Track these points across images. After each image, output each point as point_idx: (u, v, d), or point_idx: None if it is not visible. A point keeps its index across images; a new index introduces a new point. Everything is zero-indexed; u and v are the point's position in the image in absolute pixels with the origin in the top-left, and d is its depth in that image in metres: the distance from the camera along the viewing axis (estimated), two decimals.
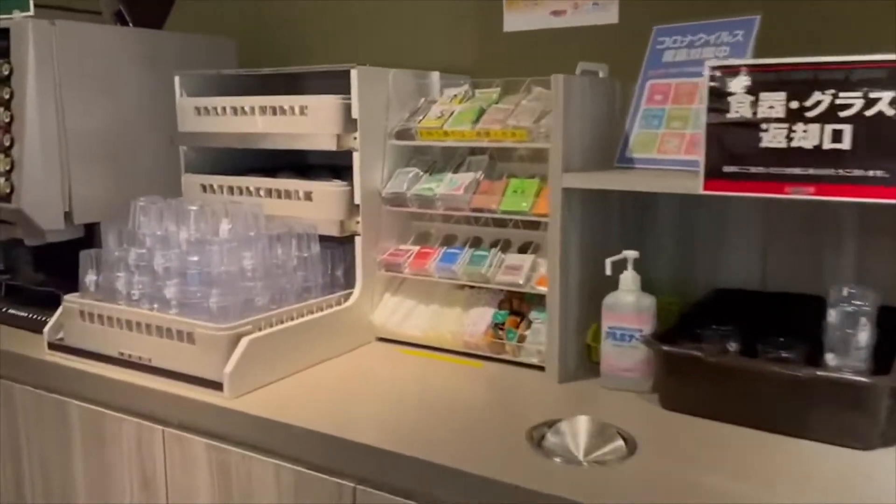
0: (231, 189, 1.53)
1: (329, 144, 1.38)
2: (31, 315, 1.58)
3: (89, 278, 1.38)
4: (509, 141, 1.30)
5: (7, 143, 1.47)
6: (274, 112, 1.45)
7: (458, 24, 1.69)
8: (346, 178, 1.46)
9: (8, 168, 1.47)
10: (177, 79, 1.59)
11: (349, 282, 1.46)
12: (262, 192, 1.49)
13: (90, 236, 1.59)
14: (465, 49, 1.68)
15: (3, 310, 1.63)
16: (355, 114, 1.38)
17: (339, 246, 1.45)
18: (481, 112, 1.36)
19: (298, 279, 1.35)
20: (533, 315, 1.30)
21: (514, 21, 1.61)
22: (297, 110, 1.41)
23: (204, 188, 1.57)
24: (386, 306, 1.47)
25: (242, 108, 1.49)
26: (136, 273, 1.31)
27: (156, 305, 1.29)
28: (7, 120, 1.46)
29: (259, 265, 1.27)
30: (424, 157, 1.51)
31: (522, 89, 1.37)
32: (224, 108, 1.52)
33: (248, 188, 1.51)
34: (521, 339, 1.29)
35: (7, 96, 1.46)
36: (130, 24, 1.65)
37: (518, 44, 1.61)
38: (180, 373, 1.23)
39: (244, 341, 1.20)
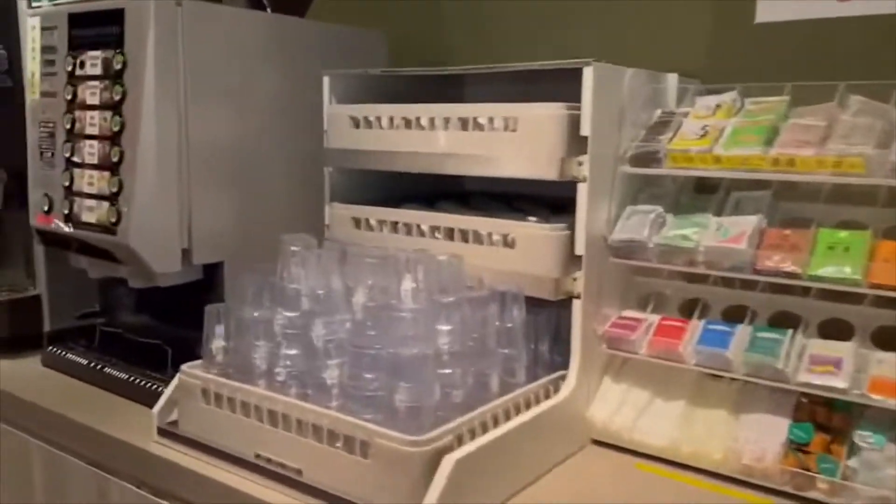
0: (395, 226, 1.16)
1: (548, 171, 0.99)
2: (133, 379, 1.24)
3: (216, 344, 1.02)
4: (825, 173, 0.89)
5: (115, 158, 1.14)
6: (464, 126, 1.07)
7: (684, 13, 1.29)
8: (529, 213, 1.08)
9: (115, 190, 1.14)
10: (326, 79, 1.24)
11: (554, 360, 1.07)
12: (439, 233, 1.12)
13: (209, 278, 1.25)
14: (692, 44, 1.28)
15: (98, 367, 1.30)
16: (585, 130, 0.99)
17: (540, 310, 1.06)
18: (773, 131, 0.95)
19: (499, 360, 0.97)
20: (861, 436, 0.87)
21: (777, 8, 1.20)
22: (501, 124, 1.03)
23: (357, 223, 1.21)
24: (606, 397, 1.07)
25: (418, 119, 1.12)
26: (285, 344, 0.95)
27: (310, 392, 0.92)
28: (116, 128, 1.13)
29: (458, 343, 0.89)
30: (656, 189, 1.11)
31: (836, 99, 0.95)
32: (392, 120, 1.15)
33: (419, 226, 1.14)
34: (846, 474, 0.86)
35: (118, 97, 1.13)
36: (268, 9, 1.31)
37: (774, 38, 1.20)
38: (344, 498, 0.86)
39: (448, 462, 0.81)
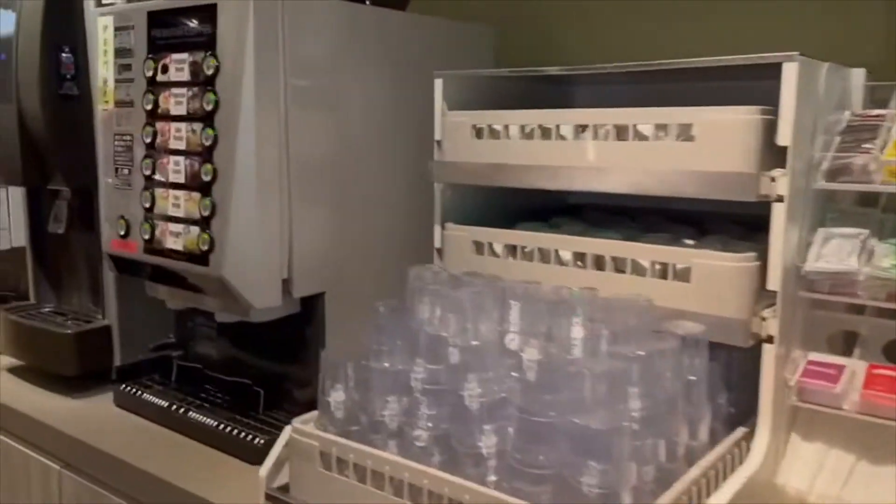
0: (525, 252, 1.00)
1: (737, 190, 0.82)
2: (223, 426, 1.09)
3: (335, 397, 0.86)
4: None
5: (206, 177, 0.99)
6: (621, 135, 0.90)
7: None
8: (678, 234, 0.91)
9: (206, 213, 0.99)
10: (439, 82, 1.08)
11: (728, 412, 0.90)
12: (584, 262, 0.95)
13: (307, 311, 1.10)
14: (852, 32, 1.10)
15: (181, 410, 1.16)
16: (784, 138, 0.82)
17: (714, 354, 0.89)
18: None
19: (686, 421, 0.80)
20: None
21: None
22: (673, 132, 0.86)
23: (478, 248, 1.05)
24: (798, 460, 0.89)
25: (557, 128, 0.96)
26: (425, 402, 0.79)
27: (459, 462, 0.76)
28: (208, 142, 0.98)
29: (649, 405, 0.73)
30: (844, 207, 0.94)
31: None
32: (523, 128, 0.99)
33: (557, 253, 0.97)
34: None
35: (209, 107, 0.98)
36: (367, 1, 1.15)
37: None
38: None
39: None
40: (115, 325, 1.30)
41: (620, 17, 1.34)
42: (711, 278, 0.85)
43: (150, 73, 1.06)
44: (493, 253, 1.04)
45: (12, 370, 1.42)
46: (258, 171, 0.97)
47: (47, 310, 1.44)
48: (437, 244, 1.11)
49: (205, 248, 1.00)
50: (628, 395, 0.70)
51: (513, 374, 0.74)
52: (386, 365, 0.82)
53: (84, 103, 1.23)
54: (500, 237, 1.01)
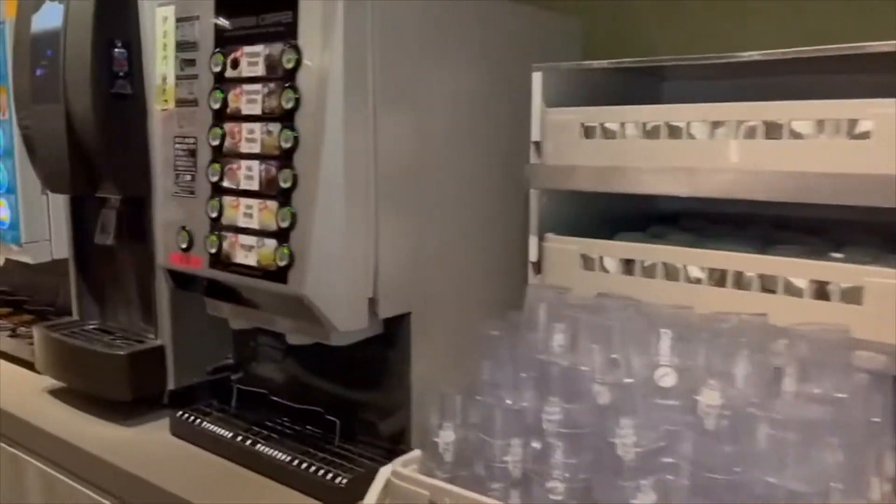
0: (647, 268, 0.88)
1: None
2: (297, 462, 0.97)
3: (445, 437, 0.75)
4: None
5: (285, 184, 0.87)
6: (772, 132, 0.79)
7: None
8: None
9: (285, 225, 0.87)
10: (537, 76, 0.96)
11: None
12: (700, 275, 0.83)
13: (390, 332, 0.98)
14: None
15: (245, 440, 1.04)
16: None
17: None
18: None
19: (874, 470, 0.67)
20: None
21: None
22: (842, 128, 0.74)
23: (586, 262, 0.93)
24: None
25: (688, 125, 0.84)
26: (561, 447, 0.67)
27: None
28: (288, 145, 0.87)
29: (848, 455, 0.61)
30: None
31: None
32: (644, 126, 0.87)
33: (685, 269, 0.85)
34: None
35: (289, 105, 0.86)
36: None
37: None
38: None
39: None
40: (170, 345, 1.18)
41: (710, 8, 1.22)
42: (890, 300, 0.73)
43: (217, 69, 0.95)
44: (602, 268, 0.92)
45: (53, 393, 1.32)
46: (346, 176, 0.85)
47: (91, 327, 1.33)
48: (532, 257, 0.99)
49: (283, 263, 0.88)
50: (826, 447, 0.58)
51: (680, 418, 0.62)
52: (508, 402, 0.71)
53: (138, 103, 1.13)
54: (616, 250, 0.90)
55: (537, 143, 0.96)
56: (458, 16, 1.01)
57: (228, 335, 1.20)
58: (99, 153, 1.11)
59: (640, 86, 1.14)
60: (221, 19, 0.94)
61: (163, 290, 1.17)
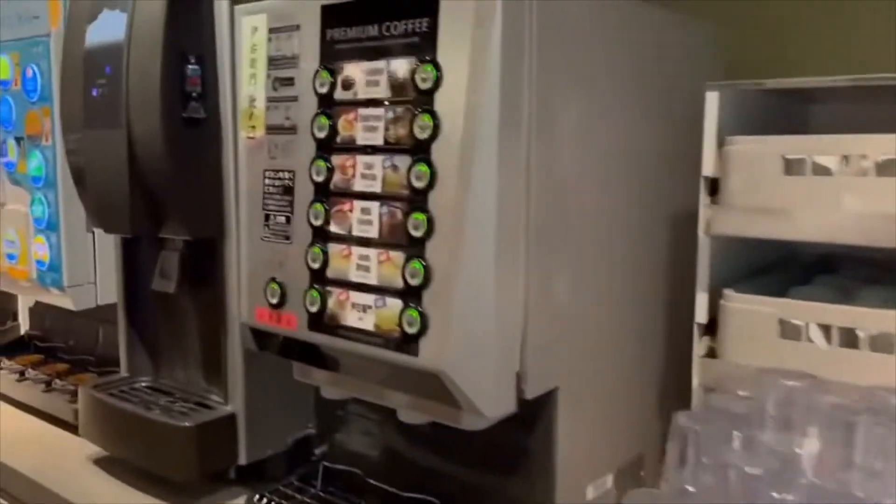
0: (876, 340, 0.70)
1: None
2: None
3: None
4: None
5: (416, 231, 0.69)
6: None
7: None
8: None
9: (416, 282, 0.69)
10: (713, 96, 0.79)
11: None
12: None
13: (531, 411, 0.80)
14: None
15: None
16: None
17: None
18: None
19: None
20: None
21: None
22: None
23: (785, 329, 0.75)
24: None
25: None
26: None
27: None
28: (421, 183, 0.69)
29: None
30: None
31: None
32: (863, 158, 0.70)
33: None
34: None
35: (424, 134, 0.69)
36: None
37: None
38: None
39: None
40: (242, 413, 1.01)
41: (858, 23, 1.05)
42: None
43: (324, 90, 0.78)
44: (799, 336, 0.75)
45: (99, 462, 1.14)
46: (498, 222, 0.68)
47: (144, 384, 1.16)
48: (700, 318, 0.82)
49: (412, 329, 0.71)
50: None
51: None
52: None
53: (211, 129, 0.96)
54: (838, 315, 0.72)
55: (713, 180, 0.79)
56: (617, 25, 0.84)
57: (309, 400, 1.02)
58: (166, 187, 0.94)
59: (786, 109, 0.97)
60: (331, 29, 0.78)
61: (235, 348, 1.00)
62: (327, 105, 0.78)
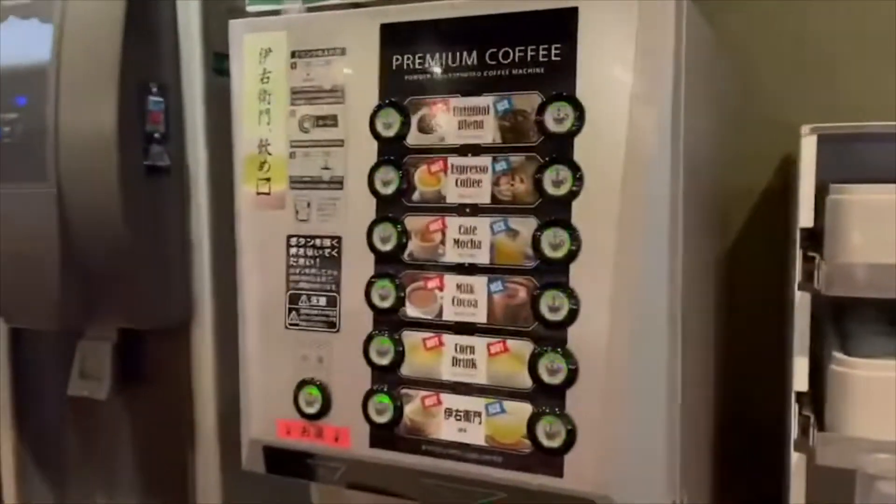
0: None
1: None
2: None
3: None
4: None
5: (556, 313, 0.53)
6: None
7: None
8: None
9: (557, 380, 0.53)
10: (810, 141, 0.71)
11: None
12: None
13: None
14: None
15: None
16: None
17: None
18: None
19: None
20: None
21: None
22: None
23: None
24: None
25: None
26: None
27: None
28: (558, 253, 0.53)
29: None
30: None
31: None
32: None
33: None
34: None
35: (561, 190, 0.52)
36: None
37: None
38: None
39: None
40: None
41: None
42: None
43: (390, 132, 0.59)
44: None
45: None
46: (669, 304, 0.54)
47: None
48: (800, 386, 0.73)
49: (552, 442, 0.54)
50: None
51: None
52: None
53: (176, 182, 0.73)
54: None
55: (815, 233, 0.71)
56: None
57: None
58: (118, 263, 0.69)
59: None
60: (398, 55, 0.60)
61: (209, 468, 0.75)
62: (395, 152, 0.60)
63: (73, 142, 0.68)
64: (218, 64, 0.74)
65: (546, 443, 0.55)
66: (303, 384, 0.63)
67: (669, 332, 0.55)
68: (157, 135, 0.70)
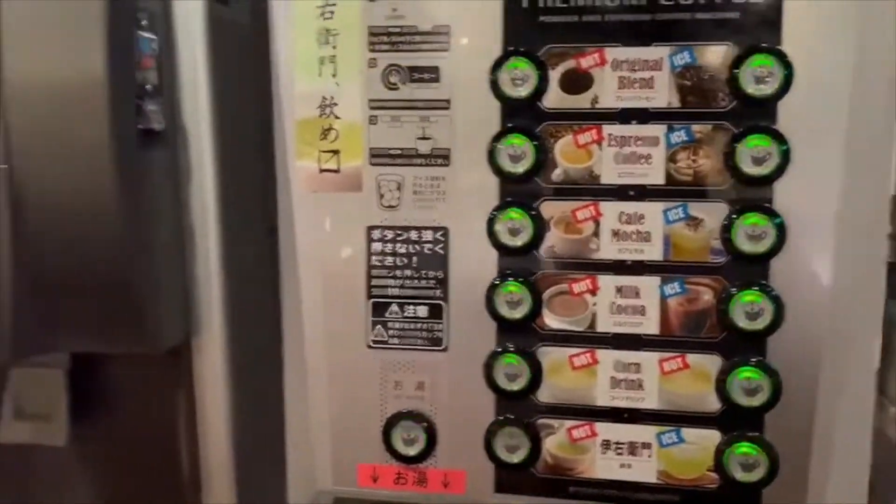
0: None
1: None
2: None
3: None
4: None
5: (755, 320, 0.42)
6: None
7: None
8: None
9: (757, 402, 0.43)
10: None
11: None
12: None
13: None
14: None
15: None
16: None
17: None
18: None
19: None
20: None
21: None
22: None
23: None
24: None
25: None
26: None
27: None
28: (759, 247, 0.42)
29: None
30: None
31: None
32: None
33: None
34: None
35: (765, 169, 0.42)
36: None
37: None
38: None
39: None
40: None
41: None
42: None
43: (520, 91, 0.44)
44: None
45: None
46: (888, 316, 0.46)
47: None
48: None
49: (750, 475, 0.44)
50: None
51: None
52: None
53: (170, 151, 0.53)
54: None
55: None
56: None
57: None
58: (107, 267, 0.49)
59: None
60: None
61: None
62: (527, 117, 0.46)
63: (34, 97, 0.46)
64: None
65: (740, 476, 0.45)
66: (398, 418, 0.49)
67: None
68: (148, 87, 0.50)
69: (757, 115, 0.44)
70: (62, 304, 0.51)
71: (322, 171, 0.49)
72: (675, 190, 0.45)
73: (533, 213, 0.46)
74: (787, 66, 0.43)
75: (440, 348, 0.49)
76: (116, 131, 0.47)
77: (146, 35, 0.50)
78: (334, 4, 0.47)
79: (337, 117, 0.48)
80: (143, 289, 0.52)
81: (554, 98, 0.46)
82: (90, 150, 0.47)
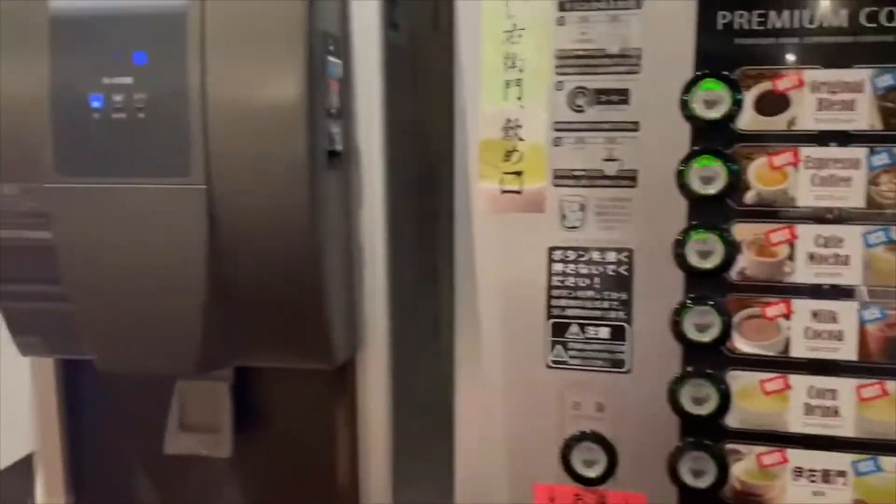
0: None
1: None
2: None
3: None
4: None
5: None
6: None
7: None
8: None
9: None
10: None
11: None
12: None
13: None
14: None
15: None
16: None
17: None
18: None
19: None
20: None
21: None
22: None
23: None
24: None
25: None
26: None
27: None
28: None
29: None
30: None
31: None
32: None
33: None
34: None
35: None
36: None
37: None
38: None
39: None
40: None
41: None
42: None
43: (712, 112, 0.44)
44: None
45: None
46: None
47: None
48: None
49: None
50: None
51: None
52: None
53: (345, 173, 0.54)
54: None
55: None
56: None
57: None
58: (300, 286, 0.50)
59: None
60: (724, 11, 0.45)
61: None
62: (719, 139, 0.46)
63: (235, 119, 0.48)
64: (389, 13, 0.56)
65: None
66: (578, 439, 0.49)
67: None
68: (332, 109, 0.52)
69: None
70: (251, 320, 0.53)
71: (504, 192, 0.49)
72: (877, 213, 0.44)
73: (725, 235, 0.46)
74: None
75: (622, 370, 0.48)
76: (311, 152, 0.49)
77: (333, 60, 0.51)
78: (523, 29, 0.48)
79: (521, 139, 0.49)
80: (326, 305, 0.53)
81: (748, 120, 0.46)
82: (287, 169, 0.48)
